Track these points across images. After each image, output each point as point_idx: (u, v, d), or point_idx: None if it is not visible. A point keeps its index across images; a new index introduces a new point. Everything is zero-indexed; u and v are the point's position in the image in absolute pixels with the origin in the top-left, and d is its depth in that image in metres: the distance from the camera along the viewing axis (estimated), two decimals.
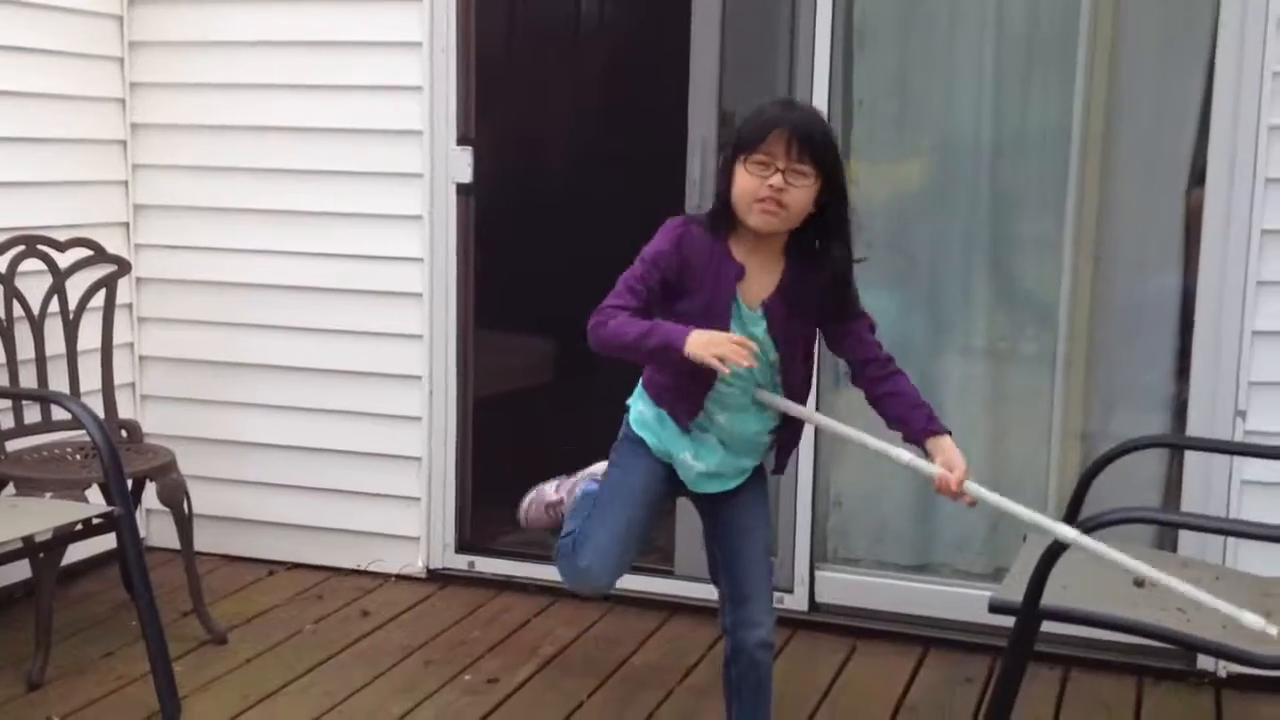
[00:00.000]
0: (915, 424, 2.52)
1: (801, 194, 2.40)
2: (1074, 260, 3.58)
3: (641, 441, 2.59)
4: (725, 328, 2.44)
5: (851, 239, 2.49)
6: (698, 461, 2.55)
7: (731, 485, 2.60)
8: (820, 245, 2.49)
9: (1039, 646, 2.58)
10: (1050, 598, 2.44)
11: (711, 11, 3.70)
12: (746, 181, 2.41)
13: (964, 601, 3.55)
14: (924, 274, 3.75)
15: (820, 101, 3.57)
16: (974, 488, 2.44)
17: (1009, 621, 2.54)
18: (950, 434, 2.50)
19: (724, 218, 2.47)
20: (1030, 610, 2.43)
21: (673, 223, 2.52)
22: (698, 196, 3.71)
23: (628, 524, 2.57)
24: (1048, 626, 2.51)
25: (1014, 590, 2.50)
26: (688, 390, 2.51)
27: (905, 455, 2.51)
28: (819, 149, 2.39)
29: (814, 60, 3.59)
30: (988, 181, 3.67)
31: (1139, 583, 2.58)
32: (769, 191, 2.38)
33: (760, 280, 2.48)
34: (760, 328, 2.48)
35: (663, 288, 2.47)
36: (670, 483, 2.61)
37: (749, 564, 2.60)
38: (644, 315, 2.45)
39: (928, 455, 2.49)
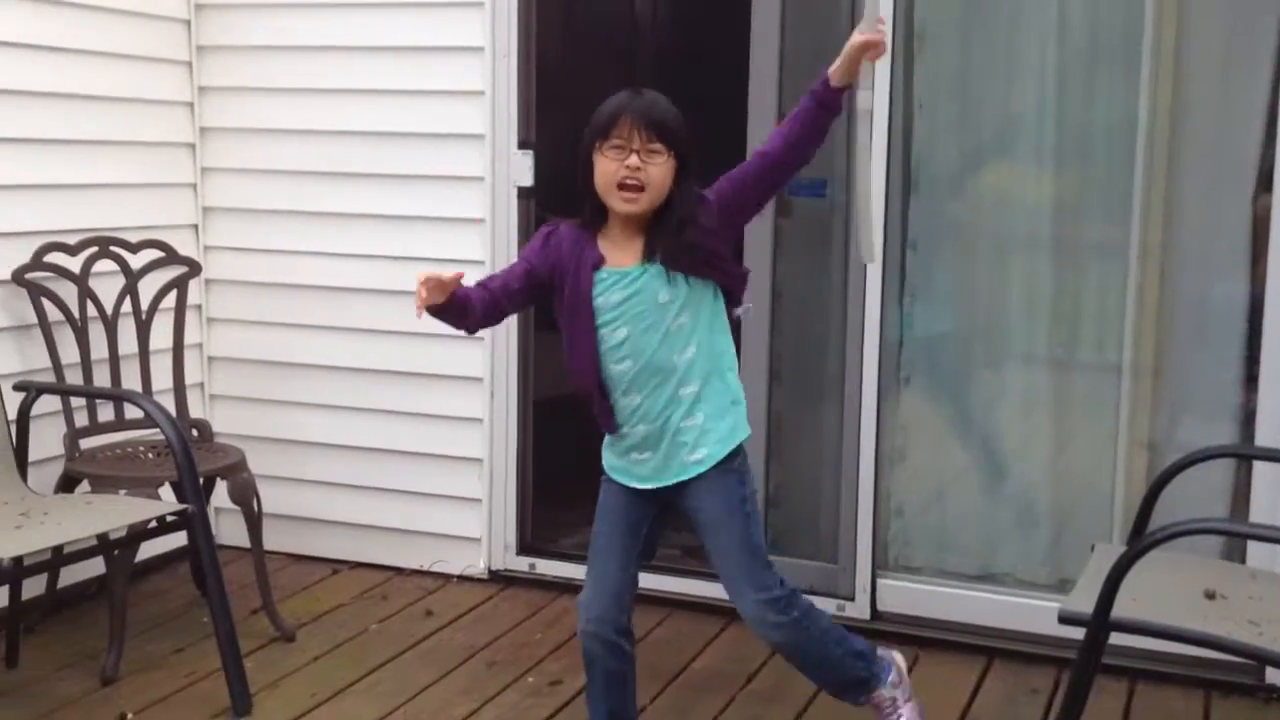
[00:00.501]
0: (812, 91, 2.64)
1: (657, 171, 2.54)
2: (1140, 266, 3.54)
3: (608, 476, 2.75)
4: (588, 311, 2.59)
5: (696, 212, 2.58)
6: (642, 455, 2.66)
7: (688, 475, 2.65)
8: (676, 221, 2.58)
9: (1104, 658, 2.57)
10: (1120, 609, 2.42)
11: (771, 12, 3.69)
12: (606, 166, 2.56)
13: (1029, 612, 3.53)
14: (986, 280, 3.73)
15: (880, 104, 3.56)
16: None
17: (1075, 632, 2.52)
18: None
19: (593, 210, 2.62)
20: (1101, 622, 2.42)
21: (544, 226, 2.72)
22: None
23: (608, 548, 2.72)
24: (1114, 638, 2.49)
25: (1083, 601, 2.48)
26: (594, 397, 2.66)
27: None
28: (668, 128, 2.56)
29: (874, 62, 3.56)
30: (1051, 186, 3.64)
31: (1209, 594, 2.56)
32: (627, 172, 2.53)
33: (627, 250, 2.61)
34: (637, 284, 2.59)
35: (533, 284, 2.66)
36: (643, 504, 2.71)
37: (723, 557, 2.67)
38: (490, 297, 2.65)
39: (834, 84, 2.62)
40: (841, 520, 3.74)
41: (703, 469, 2.65)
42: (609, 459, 2.74)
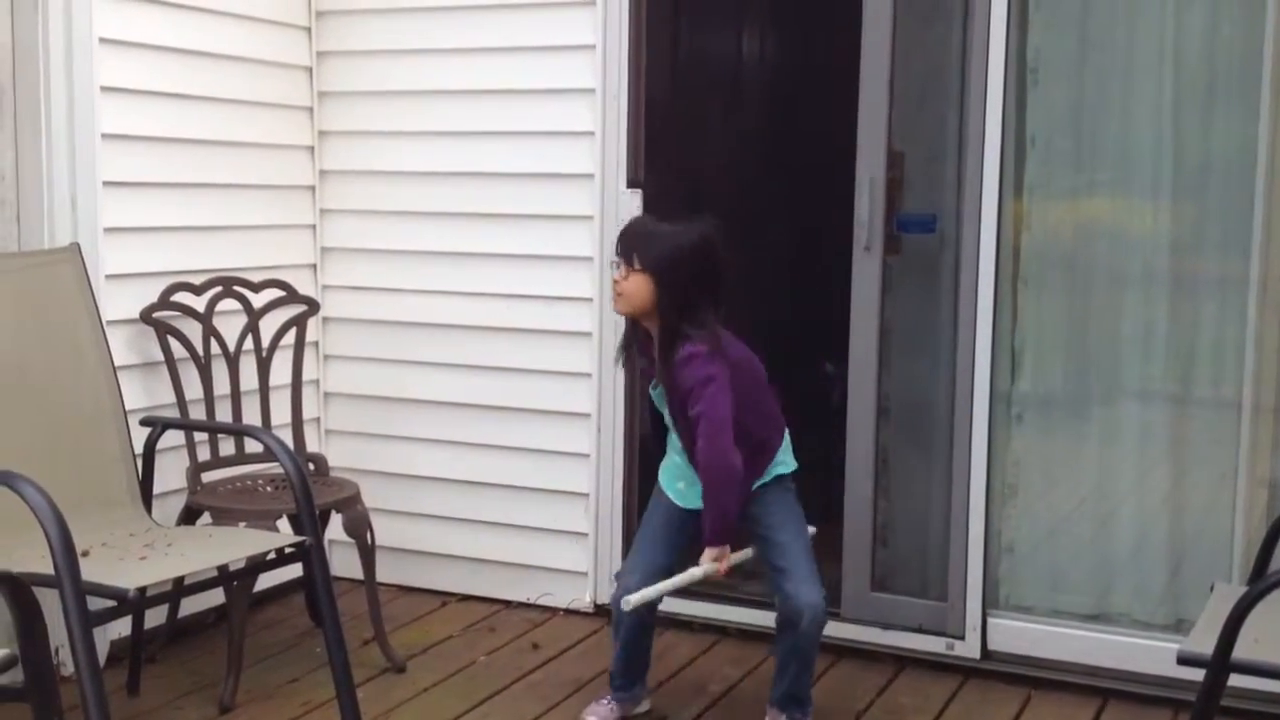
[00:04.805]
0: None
1: (631, 284, 3.07)
2: (1259, 300, 3.46)
3: (660, 488, 3.37)
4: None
5: (688, 332, 3.05)
6: (678, 483, 3.29)
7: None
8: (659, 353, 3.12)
9: (1224, 701, 2.50)
10: (1241, 651, 2.37)
11: (881, 49, 3.69)
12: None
13: (1144, 653, 3.46)
14: (1100, 315, 3.68)
15: (992, 139, 3.55)
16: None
17: (1193, 674, 2.47)
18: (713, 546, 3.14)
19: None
20: (1222, 663, 2.36)
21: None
22: (866, 236, 3.72)
23: (650, 535, 3.29)
24: (1233, 680, 2.44)
25: (1204, 642, 2.43)
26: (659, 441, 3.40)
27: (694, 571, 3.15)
28: (637, 250, 3.06)
29: (986, 97, 3.56)
30: (1167, 219, 3.58)
31: None
32: (614, 283, 3.12)
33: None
34: (658, 393, 3.23)
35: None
36: (681, 511, 3.26)
37: (790, 554, 3.16)
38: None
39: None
40: (951, 558, 3.70)
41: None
42: (662, 477, 3.35)
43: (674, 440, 3.27)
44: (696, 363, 3.03)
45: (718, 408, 3.02)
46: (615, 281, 3.12)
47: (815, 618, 3.10)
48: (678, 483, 3.29)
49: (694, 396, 3.05)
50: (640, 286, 3.06)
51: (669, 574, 3.19)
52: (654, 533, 3.29)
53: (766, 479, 3.20)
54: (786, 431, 3.28)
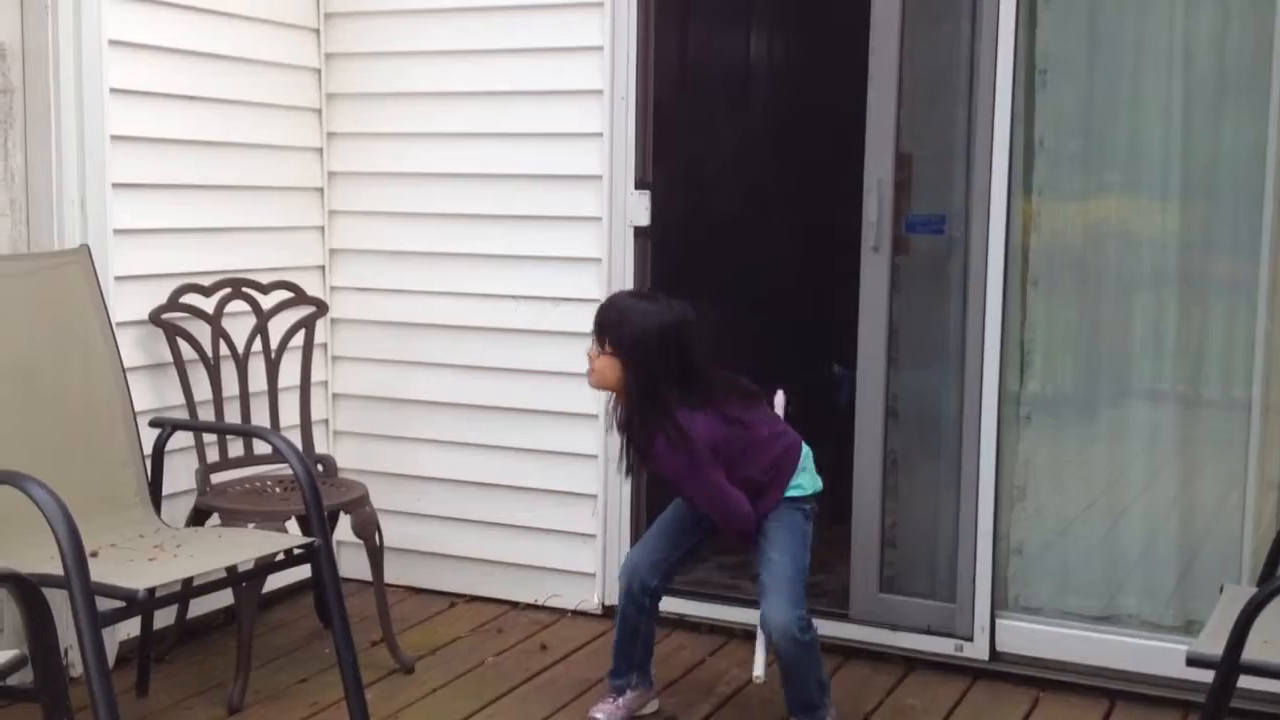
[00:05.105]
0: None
1: (602, 362, 3.16)
2: (1269, 301, 3.45)
3: None
4: None
5: (656, 420, 3.10)
6: None
7: None
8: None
9: (1233, 702, 2.50)
10: (1251, 652, 2.36)
11: (889, 49, 3.69)
12: None
13: (1153, 654, 3.46)
14: (1109, 316, 3.67)
15: (1001, 139, 3.55)
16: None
17: (1202, 675, 2.47)
18: None
19: None
20: (1232, 665, 2.36)
21: None
22: (875, 237, 3.72)
23: (662, 528, 3.40)
24: (1243, 681, 2.43)
25: (1213, 643, 2.43)
26: None
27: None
28: (609, 331, 3.15)
29: (994, 99, 3.56)
30: (1177, 221, 3.57)
31: None
32: (588, 359, 3.21)
33: None
34: None
35: None
36: (694, 513, 3.32)
37: (772, 569, 3.18)
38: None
39: None
40: (960, 559, 3.70)
41: None
42: None
43: None
44: (668, 457, 3.13)
45: (708, 486, 3.17)
46: (589, 358, 3.21)
47: (784, 637, 3.10)
48: None
49: (680, 483, 3.23)
50: (609, 367, 3.15)
51: (672, 562, 3.34)
52: (666, 526, 3.39)
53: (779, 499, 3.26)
54: (806, 452, 3.29)
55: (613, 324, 3.16)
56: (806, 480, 3.27)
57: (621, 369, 3.13)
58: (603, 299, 4.00)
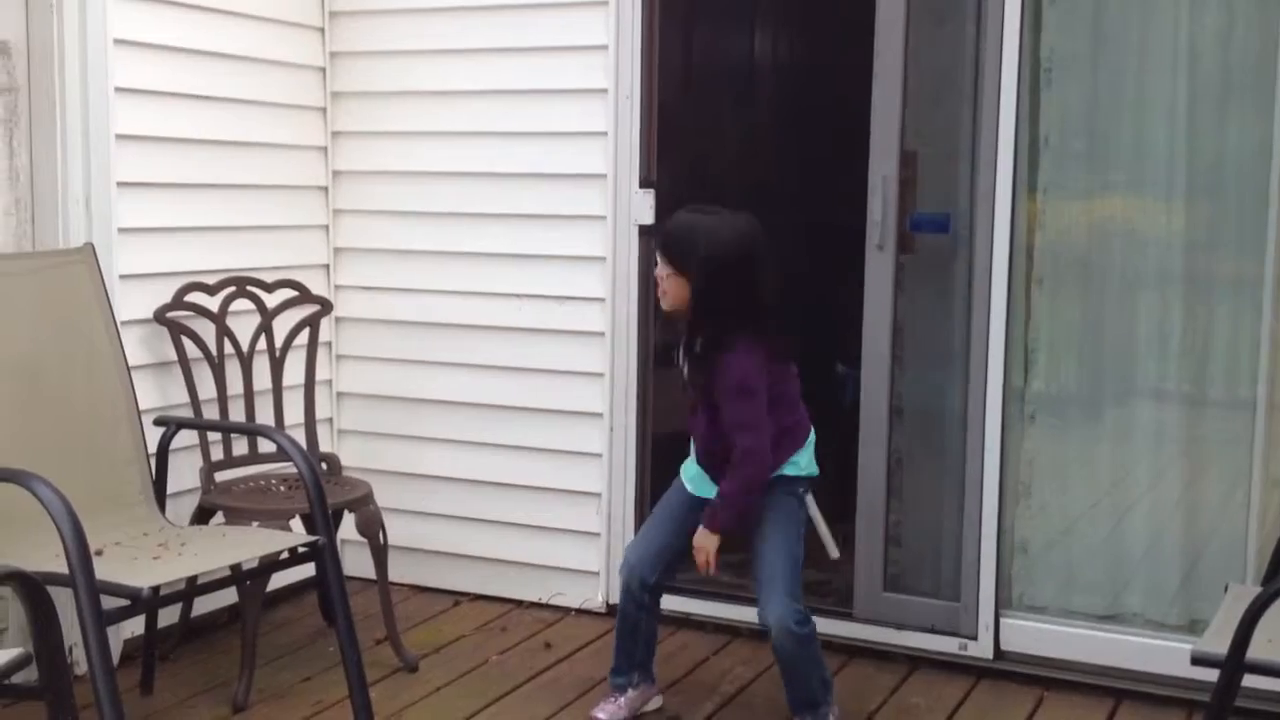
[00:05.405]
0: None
1: (670, 283, 3.12)
2: (1274, 300, 3.45)
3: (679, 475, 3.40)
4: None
5: (727, 335, 3.07)
6: (692, 470, 3.32)
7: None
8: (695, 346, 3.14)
9: (1238, 701, 2.50)
10: (1255, 651, 2.36)
11: (894, 48, 3.69)
12: None
13: (1158, 653, 3.45)
14: (1113, 315, 3.67)
15: (1006, 138, 3.55)
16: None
17: (1207, 674, 2.47)
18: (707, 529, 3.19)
19: None
20: (1236, 663, 2.36)
21: None
22: (879, 236, 3.71)
23: (657, 516, 3.37)
24: (1248, 680, 2.43)
25: (1218, 642, 2.43)
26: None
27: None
28: (669, 251, 3.12)
29: (999, 97, 3.55)
30: (1181, 219, 3.57)
31: None
32: (656, 280, 3.18)
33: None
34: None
35: None
36: (691, 498, 3.29)
37: (766, 561, 3.15)
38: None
39: None
40: (964, 557, 3.70)
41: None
42: (684, 467, 3.37)
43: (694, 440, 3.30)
44: (730, 370, 3.05)
45: (753, 411, 3.07)
46: (658, 279, 3.16)
47: (781, 632, 3.08)
48: (692, 470, 3.32)
49: (731, 407, 3.09)
50: (676, 285, 3.10)
51: (670, 554, 3.30)
52: (661, 518, 3.36)
53: (776, 474, 3.19)
54: (812, 435, 3.27)
55: (682, 241, 3.11)
56: (805, 460, 3.23)
57: (689, 286, 3.08)
58: (606, 298, 4.03)
